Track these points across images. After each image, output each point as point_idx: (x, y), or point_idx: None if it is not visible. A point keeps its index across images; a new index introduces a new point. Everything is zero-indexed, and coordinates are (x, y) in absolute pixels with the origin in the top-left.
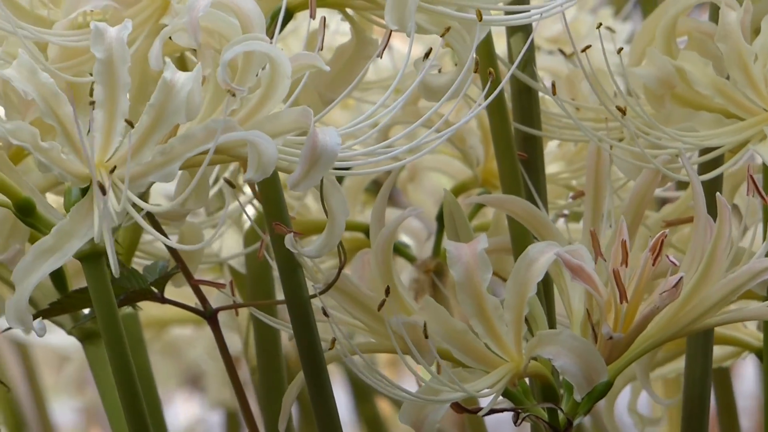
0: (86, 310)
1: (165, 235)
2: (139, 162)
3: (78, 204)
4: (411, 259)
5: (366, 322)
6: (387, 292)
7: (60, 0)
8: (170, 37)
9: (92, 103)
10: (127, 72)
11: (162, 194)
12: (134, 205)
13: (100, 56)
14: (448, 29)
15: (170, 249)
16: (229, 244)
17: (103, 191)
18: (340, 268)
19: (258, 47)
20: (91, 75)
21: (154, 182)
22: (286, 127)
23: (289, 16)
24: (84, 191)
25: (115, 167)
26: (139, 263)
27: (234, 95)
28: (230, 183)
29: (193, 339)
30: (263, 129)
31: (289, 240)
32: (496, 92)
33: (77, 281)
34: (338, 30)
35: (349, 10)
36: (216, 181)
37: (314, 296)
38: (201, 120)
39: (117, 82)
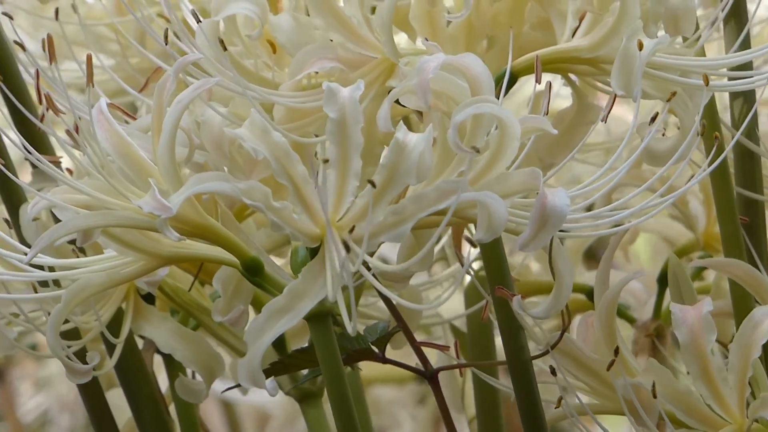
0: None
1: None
2: (371, 222)
3: (310, 264)
4: (631, 320)
5: (589, 383)
6: (616, 352)
7: (284, 62)
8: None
9: (326, 161)
10: (360, 132)
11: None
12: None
13: (333, 116)
14: (674, 94)
15: (392, 309)
16: (449, 303)
17: (348, 249)
18: (564, 330)
19: (489, 109)
20: (317, 136)
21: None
22: (514, 188)
23: (513, 81)
24: (312, 251)
25: (353, 227)
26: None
27: (477, 151)
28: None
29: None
30: (491, 190)
31: (517, 302)
32: (721, 157)
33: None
34: (558, 93)
35: (571, 75)
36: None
37: (536, 357)
38: (428, 182)
39: (350, 142)
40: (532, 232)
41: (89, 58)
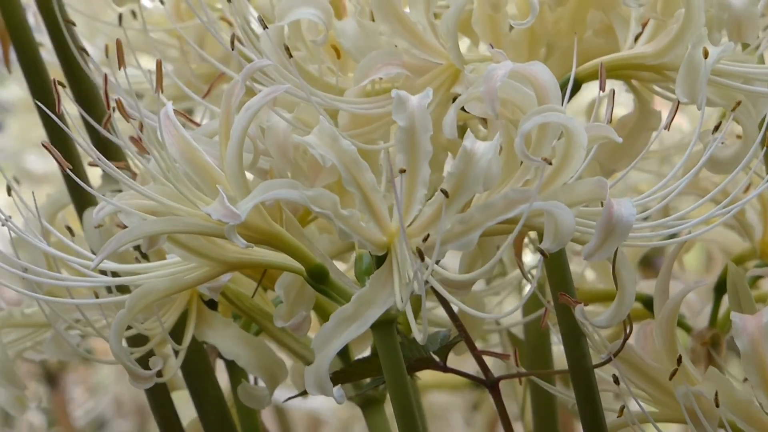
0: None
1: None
2: (438, 231)
3: (377, 272)
4: (687, 329)
5: (649, 391)
6: (679, 361)
7: (348, 67)
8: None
9: (402, 171)
10: (428, 140)
11: None
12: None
13: (402, 124)
14: (739, 103)
15: (453, 318)
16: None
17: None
18: (625, 338)
19: (556, 118)
20: (383, 142)
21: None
22: (580, 197)
23: (577, 87)
24: (378, 259)
25: (428, 235)
26: None
27: (549, 163)
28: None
29: (451, 403)
30: (557, 199)
31: (579, 311)
32: None
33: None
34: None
35: (634, 82)
36: None
37: (599, 365)
38: (492, 191)
39: (419, 150)
40: (599, 242)
41: (159, 64)
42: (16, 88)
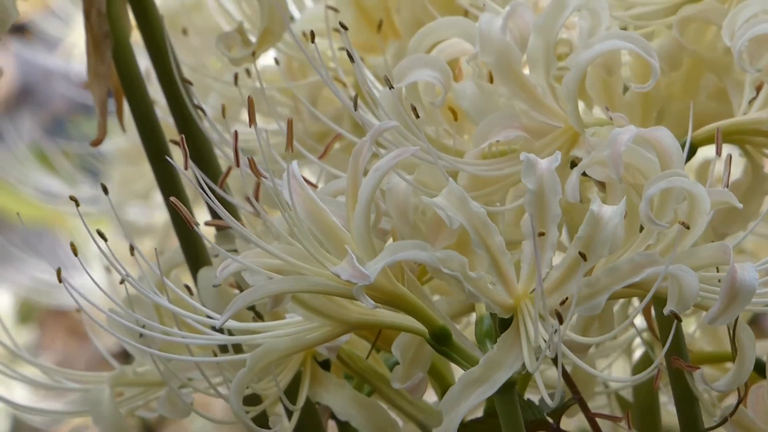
0: None
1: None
2: (565, 294)
3: (504, 335)
4: None
5: None
6: None
7: (464, 129)
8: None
9: (541, 234)
10: (558, 204)
11: None
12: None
13: (531, 187)
14: None
15: (568, 380)
16: (616, 374)
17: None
18: (739, 401)
19: (681, 183)
20: (499, 205)
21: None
22: (703, 261)
23: (692, 152)
24: (503, 321)
25: (566, 299)
26: None
27: (686, 227)
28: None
29: None
30: (681, 263)
31: (699, 376)
32: None
33: None
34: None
35: (748, 146)
36: None
37: (712, 428)
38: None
39: (548, 213)
40: (722, 307)
41: (290, 123)
42: (119, 139)
